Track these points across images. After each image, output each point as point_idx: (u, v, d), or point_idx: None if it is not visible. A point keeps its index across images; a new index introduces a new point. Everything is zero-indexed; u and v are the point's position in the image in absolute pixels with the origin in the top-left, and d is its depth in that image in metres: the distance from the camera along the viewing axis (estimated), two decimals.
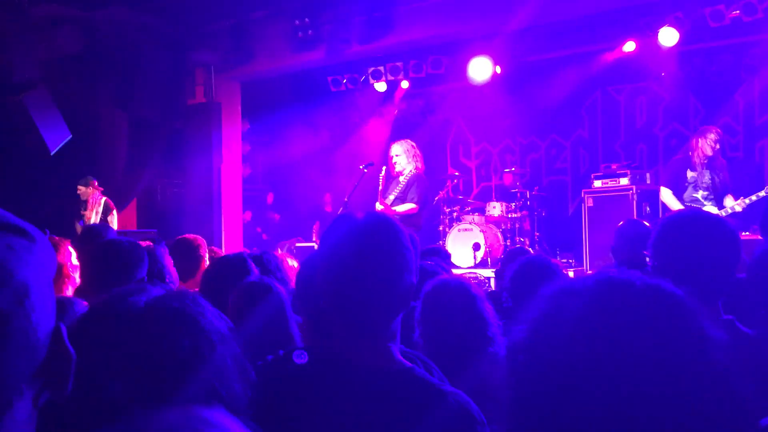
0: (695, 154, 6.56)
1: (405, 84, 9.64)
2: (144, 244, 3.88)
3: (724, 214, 6.25)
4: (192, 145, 9.03)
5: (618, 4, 7.33)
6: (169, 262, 3.93)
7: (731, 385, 0.90)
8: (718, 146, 6.56)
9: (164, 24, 8.48)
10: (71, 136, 8.11)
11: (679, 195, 6.61)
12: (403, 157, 6.80)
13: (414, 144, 6.92)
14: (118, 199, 8.37)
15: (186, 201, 9.10)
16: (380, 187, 6.94)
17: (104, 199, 8.04)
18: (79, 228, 7.74)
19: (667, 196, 6.69)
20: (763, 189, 6.17)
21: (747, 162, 8.81)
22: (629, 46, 8.40)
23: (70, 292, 3.14)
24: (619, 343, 0.88)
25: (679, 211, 2.25)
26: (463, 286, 2.40)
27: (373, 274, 1.50)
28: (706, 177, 6.55)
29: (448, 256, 4.72)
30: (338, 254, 1.55)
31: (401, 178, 6.79)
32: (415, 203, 6.61)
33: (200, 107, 9.05)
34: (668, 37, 7.69)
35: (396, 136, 9.67)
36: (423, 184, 6.76)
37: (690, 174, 6.61)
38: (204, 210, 8.90)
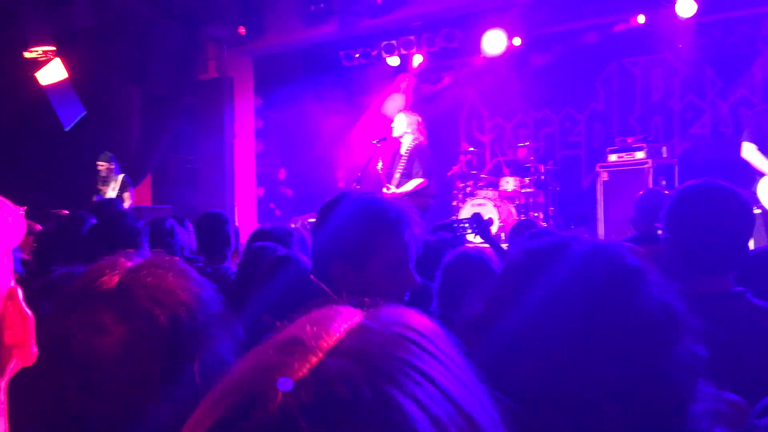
0: None
1: (418, 58, 9.54)
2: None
3: None
4: (204, 121, 9.05)
5: None
6: (185, 236, 3.95)
7: (671, 347, 0.92)
8: None
9: None
10: (85, 111, 8.15)
11: (766, 152, 5.49)
12: (402, 127, 6.69)
13: (419, 118, 6.84)
14: (132, 174, 8.41)
15: (199, 176, 9.14)
16: (380, 165, 6.88)
17: (122, 175, 8.10)
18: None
19: (750, 152, 5.53)
20: None
21: None
22: (642, 19, 8.27)
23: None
24: (560, 299, 0.94)
25: (693, 182, 2.22)
26: (482, 257, 2.39)
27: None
28: None
29: (485, 223, 4.55)
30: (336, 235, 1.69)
31: (403, 150, 6.72)
32: (421, 176, 6.55)
33: (212, 82, 9.04)
34: (685, 7, 7.56)
35: (409, 111, 9.62)
36: (425, 155, 6.66)
37: None
38: (217, 185, 8.94)
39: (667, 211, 2.14)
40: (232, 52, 8.96)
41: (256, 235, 3.47)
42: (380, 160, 6.92)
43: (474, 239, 4.20)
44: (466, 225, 3.95)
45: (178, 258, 1.15)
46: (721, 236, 2.04)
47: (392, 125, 6.82)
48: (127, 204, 7.83)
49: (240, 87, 9.10)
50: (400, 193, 6.53)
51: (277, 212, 10.71)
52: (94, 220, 3.12)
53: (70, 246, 2.92)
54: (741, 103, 8.64)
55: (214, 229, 4.00)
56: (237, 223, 8.36)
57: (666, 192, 4.40)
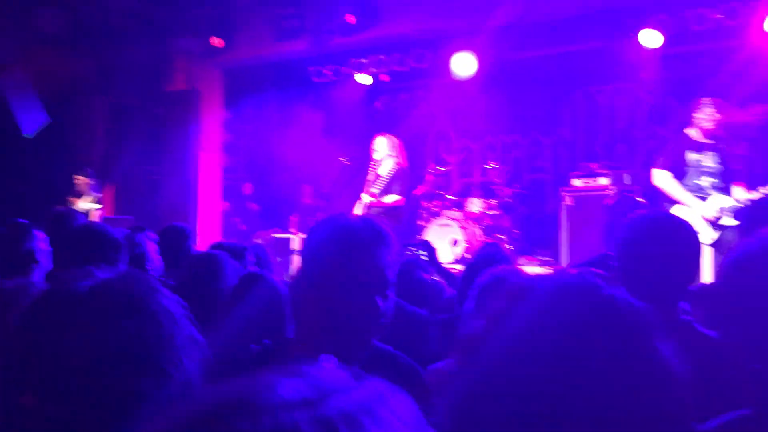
0: (694, 132, 5.45)
1: (384, 78, 9.58)
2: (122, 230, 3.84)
3: (737, 205, 5.22)
4: (171, 133, 8.96)
5: (601, 5, 7.35)
6: (151, 249, 3.89)
7: (677, 407, 0.91)
8: (719, 116, 5.43)
9: (146, 9, 8.39)
10: (49, 120, 8.02)
11: (680, 180, 5.46)
12: (384, 150, 6.92)
13: (398, 140, 7.04)
14: (96, 184, 8.30)
15: (164, 189, 9.03)
16: (371, 178, 7.01)
17: (98, 195, 8.12)
18: None
19: (664, 180, 5.47)
20: None
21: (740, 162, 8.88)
22: (609, 47, 8.44)
23: (37, 276, 3.11)
24: (568, 349, 0.88)
25: (643, 212, 2.26)
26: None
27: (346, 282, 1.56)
28: (709, 160, 5.39)
29: (433, 250, 4.73)
30: (320, 256, 1.59)
31: (381, 171, 6.88)
32: (399, 195, 6.79)
33: (180, 94, 8.97)
34: (650, 39, 7.73)
35: (378, 130, 9.64)
36: (406, 177, 6.95)
37: (690, 156, 5.42)
38: (181, 198, 8.83)
39: (618, 241, 2.16)
40: (201, 65, 8.90)
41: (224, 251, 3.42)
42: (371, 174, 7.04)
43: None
44: (415, 249, 3.99)
45: (149, 273, 1.17)
46: (668, 266, 2.07)
47: (374, 148, 6.97)
48: (95, 212, 7.82)
49: (208, 100, 9.03)
50: (380, 202, 6.67)
51: (242, 227, 10.61)
52: (39, 232, 3.04)
53: (10, 256, 2.86)
54: (725, 129, 8.82)
55: (178, 243, 3.97)
56: (199, 237, 8.26)
57: (637, 199, 4.43)
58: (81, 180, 8.12)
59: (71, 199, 8.05)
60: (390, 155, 6.92)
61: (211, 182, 9.06)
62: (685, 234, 2.14)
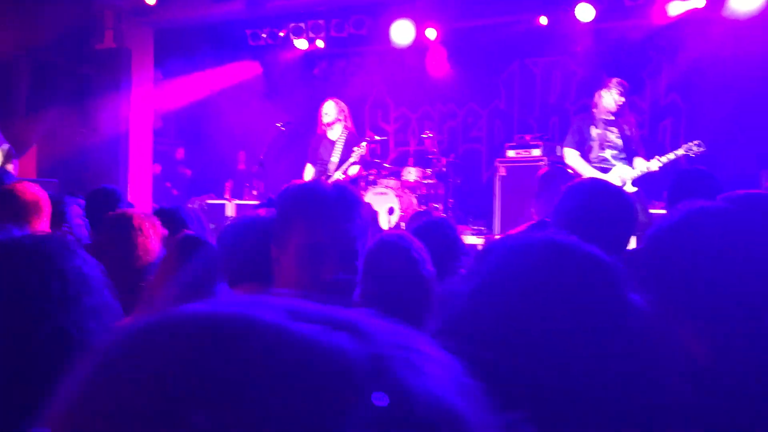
0: (598, 110, 5.88)
1: (320, 43, 9.46)
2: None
3: (638, 174, 5.74)
4: (99, 92, 8.59)
5: None
6: (74, 212, 3.74)
7: (644, 352, 0.96)
8: (623, 99, 5.87)
9: None
10: None
11: (586, 156, 5.95)
12: (333, 114, 7.04)
13: (345, 104, 7.14)
14: (16, 145, 7.89)
15: (91, 150, 8.69)
16: (322, 144, 7.10)
17: (6, 146, 7.59)
18: None
19: (572, 158, 5.98)
20: (680, 147, 5.80)
21: (651, 140, 9.20)
22: (544, 20, 8.57)
23: None
24: (555, 302, 0.93)
25: (582, 180, 2.33)
26: (403, 244, 2.36)
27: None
28: (612, 135, 5.85)
29: (375, 214, 4.80)
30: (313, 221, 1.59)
31: (334, 137, 7.01)
32: (354, 164, 7.01)
33: (109, 52, 8.59)
34: (584, 12, 7.87)
35: (315, 96, 9.53)
36: (358, 143, 7.13)
37: (594, 131, 5.90)
38: (110, 161, 8.52)
39: (555, 208, 2.22)
40: (131, 22, 8.54)
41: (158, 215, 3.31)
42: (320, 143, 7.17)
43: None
44: None
45: (67, 233, 1.14)
46: (604, 233, 2.13)
47: (324, 111, 7.01)
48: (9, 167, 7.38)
49: (139, 59, 8.69)
50: (347, 176, 6.92)
51: (174, 192, 10.36)
52: None
53: None
54: (631, 109, 9.11)
55: (107, 206, 3.82)
56: (130, 201, 8.01)
57: (569, 171, 4.63)
58: None
59: None
60: (339, 119, 7.03)
61: (142, 146, 8.77)
62: (619, 201, 2.21)
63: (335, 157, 7.03)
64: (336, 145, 7.06)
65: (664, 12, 8.02)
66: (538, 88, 9.99)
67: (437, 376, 0.44)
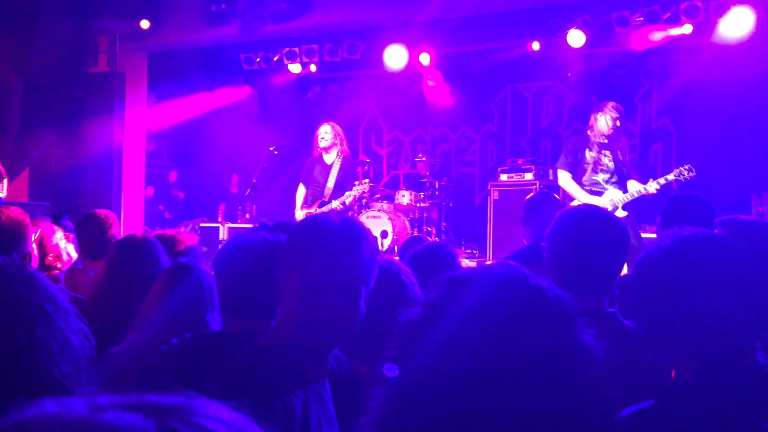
0: (593, 133, 5.86)
1: (313, 68, 9.51)
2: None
3: (629, 198, 5.71)
4: (92, 116, 8.59)
5: (529, 3, 7.51)
6: (54, 238, 3.71)
7: (597, 392, 0.97)
8: (618, 123, 5.84)
9: None
10: None
11: (578, 178, 5.92)
12: (329, 138, 7.06)
13: (340, 128, 7.20)
14: (8, 167, 7.86)
15: (83, 174, 8.67)
16: (315, 172, 7.16)
17: None
18: None
19: (564, 180, 5.95)
20: (671, 172, 5.76)
21: (642, 164, 9.27)
22: (536, 45, 8.66)
23: None
24: (502, 338, 0.94)
25: (575, 207, 2.34)
26: (394, 269, 2.36)
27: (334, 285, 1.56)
28: (606, 158, 5.84)
29: (374, 240, 4.81)
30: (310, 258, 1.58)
31: (329, 161, 7.08)
32: (352, 196, 7.05)
33: (103, 76, 8.61)
34: (576, 38, 7.96)
35: (308, 119, 9.59)
36: (354, 168, 7.26)
37: (588, 154, 5.87)
38: (102, 184, 8.50)
39: (549, 233, 2.22)
40: (125, 47, 8.57)
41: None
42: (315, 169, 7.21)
43: None
44: None
45: (27, 264, 1.10)
46: (597, 259, 2.14)
47: (320, 135, 7.04)
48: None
49: (132, 83, 8.72)
50: (345, 205, 6.96)
51: (167, 215, 10.34)
52: None
53: None
54: (622, 133, 9.18)
55: (99, 232, 3.79)
56: (122, 224, 7.99)
57: (556, 196, 4.62)
58: None
59: None
60: (335, 143, 7.08)
61: (135, 169, 8.76)
62: (613, 228, 2.21)
63: (331, 182, 7.04)
64: (332, 170, 7.07)
65: (653, 38, 8.12)
66: (530, 113, 10.07)
67: None
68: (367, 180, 7.22)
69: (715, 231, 2.11)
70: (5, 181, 7.63)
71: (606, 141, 5.84)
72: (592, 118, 5.94)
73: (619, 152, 5.86)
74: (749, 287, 1.39)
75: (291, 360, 1.57)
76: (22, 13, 7.91)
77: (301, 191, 7.27)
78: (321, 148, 7.09)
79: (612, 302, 2.20)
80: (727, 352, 1.37)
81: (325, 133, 7.08)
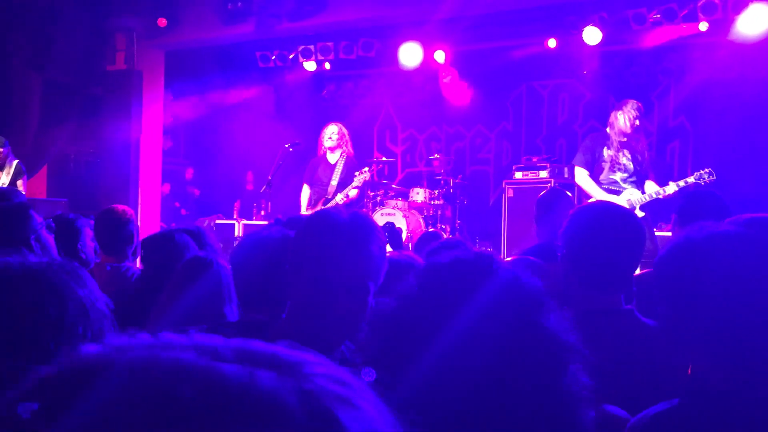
0: (613, 131, 5.75)
1: (329, 65, 9.53)
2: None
3: (647, 199, 5.62)
4: (110, 113, 8.67)
5: (545, 1, 7.49)
6: (89, 236, 3.75)
7: (564, 375, 0.99)
8: (638, 122, 5.73)
9: None
10: None
11: (595, 176, 5.82)
12: (335, 138, 7.18)
13: (345, 128, 7.26)
14: (27, 164, 7.96)
15: (101, 171, 8.76)
16: (320, 172, 7.26)
17: (16, 161, 7.64)
18: None
19: (581, 177, 5.85)
20: (692, 175, 5.69)
21: (659, 162, 9.21)
22: (553, 43, 8.62)
23: None
24: (469, 321, 0.97)
25: (591, 203, 2.34)
26: (410, 263, 2.38)
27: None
28: (624, 158, 5.74)
29: (399, 233, 4.89)
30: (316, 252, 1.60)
31: (333, 160, 7.09)
32: (355, 187, 7.17)
33: (120, 74, 8.69)
34: (592, 36, 7.92)
35: (323, 117, 9.61)
36: (356, 167, 7.29)
37: (607, 153, 5.76)
38: (120, 181, 8.58)
39: (565, 230, 2.22)
40: (142, 45, 8.64)
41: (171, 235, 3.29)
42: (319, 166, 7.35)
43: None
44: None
45: (74, 261, 1.15)
46: (613, 256, 2.13)
47: (327, 135, 7.15)
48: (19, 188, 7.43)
49: (150, 81, 8.78)
50: (348, 199, 7.02)
51: (183, 212, 10.41)
52: None
53: None
54: (638, 131, 9.14)
55: (116, 227, 3.82)
56: (139, 221, 8.06)
57: (568, 193, 4.60)
58: None
59: None
60: (340, 143, 7.19)
61: (151, 166, 8.83)
62: (629, 225, 2.21)
63: (335, 180, 7.16)
64: (336, 168, 7.20)
65: (670, 35, 8.06)
66: (546, 110, 10.03)
67: (370, 411, 0.43)
68: (366, 168, 7.25)
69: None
70: (24, 177, 7.72)
71: (625, 139, 5.74)
72: (612, 115, 5.84)
73: (638, 151, 5.76)
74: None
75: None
76: (40, 11, 8.00)
77: (305, 192, 7.36)
78: (326, 148, 7.20)
79: (629, 299, 2.20)
80: (751, 349, 1.36)
81: (333, 134, 7.21)
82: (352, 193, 7.13)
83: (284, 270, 1.70)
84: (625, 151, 5.75)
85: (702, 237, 1.45)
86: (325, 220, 1.62)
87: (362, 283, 1.57)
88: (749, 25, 7.17)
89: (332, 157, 7.25)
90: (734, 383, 1.35)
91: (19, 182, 7.59)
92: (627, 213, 2.28)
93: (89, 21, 8.33)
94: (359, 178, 7.13)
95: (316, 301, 1.58)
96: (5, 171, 7.57)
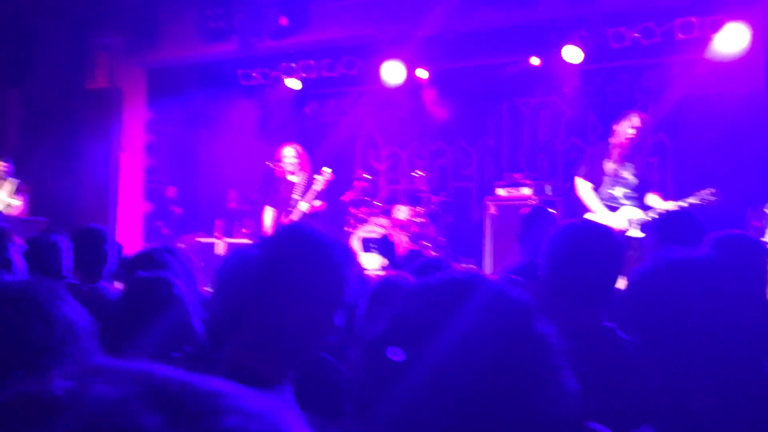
0: (615, 144, 5.61)
1: (311, 83, 9.55)
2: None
3: (647, 218, 5.33)
4: (90, 131, 8.62)
5: (525, 19, 7.57)
6: (65, 257, 3.71)
7: (556, 381, 1.00)
8: (631, 133, 5.63)
9: (66, 1, 8.07)
10: None
11: (597, 189, 5.67)
12: (295, 160, 7.25)
13: (301, 148, 7.39)
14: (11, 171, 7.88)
15: (81, 189, 8.68)
16: (282, 192, 7.30)
17: (17, 181, 7.60)
18: None
19: (583, 189, 5.72)
20: (693, 195, 5.39)
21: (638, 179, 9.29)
22: (535, 61, 8.70)
23: None
24: (460, 338, 0.97)
25: (569, 221, 2.35)
26: (405, 284, 2.38)
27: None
28: (627, 171, 5.60)
29: (392, 246, 4.91)
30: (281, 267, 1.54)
31: (294, 179, 7.25)
32: (318, 197, 7.20)
33: (101, 92, 8.65)
34: (572, 54, 8.01)
35: (306, 135, 9.62)
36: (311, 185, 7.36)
37: (609, 166, 5.63)
38: (100, 200, 8.51)
39: (545, 249, 2.23)
40: (123, 62, 8.61)
41: (138, 260, 3.23)
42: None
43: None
44: (375, 246, 4.02)
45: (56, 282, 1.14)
46: (593, 273, 2.14)
47: (288, 159, 7.18)
48: (16, 206, 7.42)
49: (130, 99, 8.75)
50: (314, 207, 7.08)
51: (165, 230, 10.32)
52: None
53: None
54: (646, 146, 9.23)
55: (92, 247, 3.79)
56: (119, 240, 7.97)
57: (551, 210, 4.61)
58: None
59: None
60: (299, 166, 7.25)
61: (133, 184, 8.77)
62: (609, 242, 2.22)
63: (297, 195, 7.20)
64: (297, 185, 7.24)
65: (649, 54, 8.17)
66: (527, 128, 10.10)
67: None
68: (326, 169, 7.23)
69: (704, 248, 2.12)
70: (25, 195, 7.67)
71: (628, 153, 5.62)
72: (615, 128, 5.75)
73: (641, 164, 5.65)
74: (735, 305, 1.39)
75: (254, 364, 1.52)
76: (20, 28, 7.95)
77: (268, 214, 7.30)
78: (286, 171, 7.22)
79: (611, 316, 2.20)
80: (714, 364, 1.37)
81: (291, 156, 7.24)
82: (317, 203, 7.15)
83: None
84: (628, 164, 5.62)
85: (669, 262, 1.47)
86: (289, 236, 1.59)
87: (327, 300, 1.54)
88: (726, 43, 7.29)
89: (293, 177, 7.31)
90: (705, 406, 1.35)
91: (18, 200, 7.56)
92: (604, 230, 2.29)
93: (70, 38, 8.30)
94: (320, 180, 7.12)
95: (273, 318, 1.53)
96: (3, 187, 7.54)
